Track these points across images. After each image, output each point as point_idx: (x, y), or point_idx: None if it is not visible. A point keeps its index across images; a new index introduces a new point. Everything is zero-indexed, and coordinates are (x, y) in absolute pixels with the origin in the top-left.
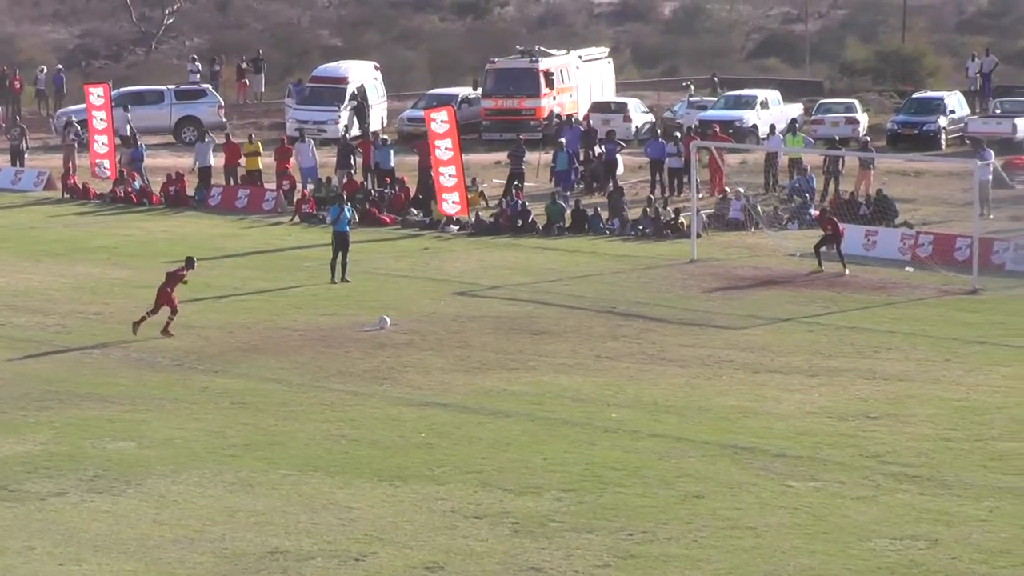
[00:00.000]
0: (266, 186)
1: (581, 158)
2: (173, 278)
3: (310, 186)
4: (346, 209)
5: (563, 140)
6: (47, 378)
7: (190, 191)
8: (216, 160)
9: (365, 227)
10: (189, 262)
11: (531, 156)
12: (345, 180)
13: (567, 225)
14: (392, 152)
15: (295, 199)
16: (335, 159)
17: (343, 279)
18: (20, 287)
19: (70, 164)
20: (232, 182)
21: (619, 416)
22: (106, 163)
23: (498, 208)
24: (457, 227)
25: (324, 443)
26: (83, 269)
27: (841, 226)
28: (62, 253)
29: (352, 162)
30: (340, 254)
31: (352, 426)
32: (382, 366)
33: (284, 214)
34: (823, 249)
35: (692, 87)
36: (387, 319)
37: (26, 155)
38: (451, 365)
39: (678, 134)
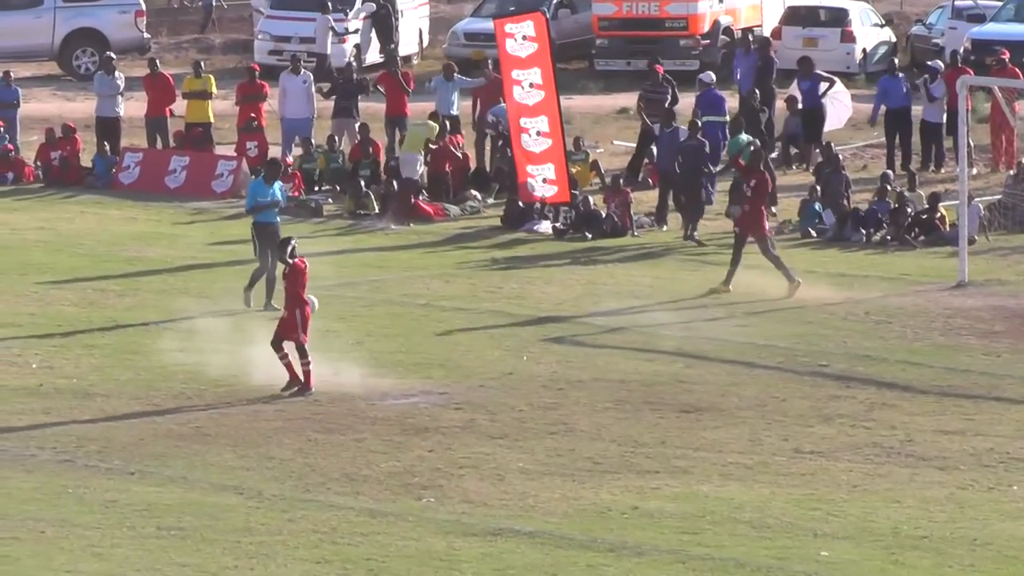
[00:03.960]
0: (219, 151)
1: (760, 102)
2: (296, 275)
3: (296, 151)
4: (276, 187)
5: (738, 72)
6: None
7: (86, 159)
8: (132, 106)
9: (391, 223)
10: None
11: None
12: (356, 139)
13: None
14: (457, 93)
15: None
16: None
17: (267, 304)
18: None
19: None
20: (160, 144)
21: (833, 555)
22: None
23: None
24: (554, 221)
25: None
26: None
27: None
28: None
29: (356, 110)
30: (270, 261)
31: (367, 571)
32: (419, 465)
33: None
34: None
35: None
36: (313, 301)
37: None
38: (540, 465)
39: (937, 64)
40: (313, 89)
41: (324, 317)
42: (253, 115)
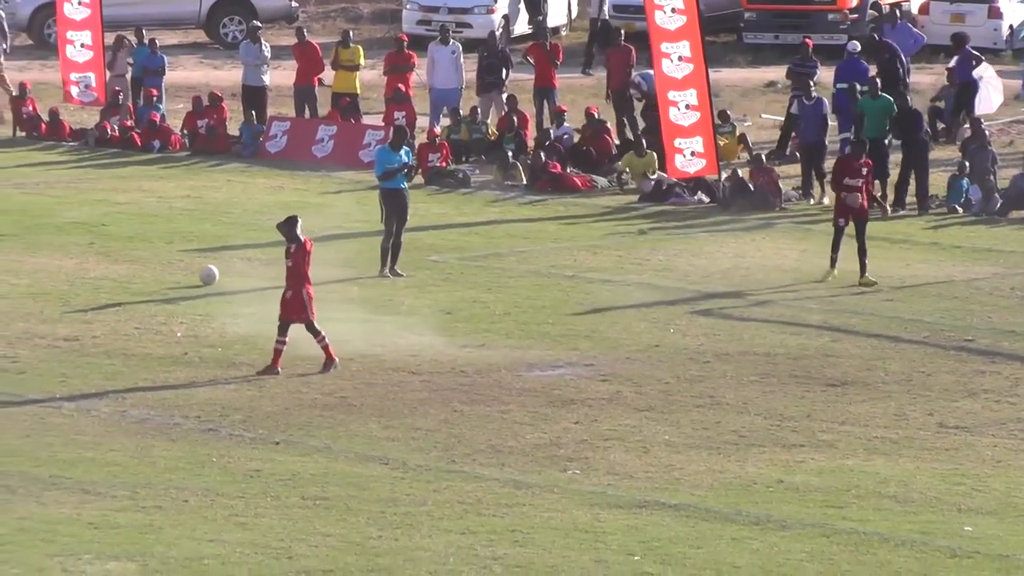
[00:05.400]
0: (367, 121)
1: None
2: (304, 254)
3: (444, 122)
4: (403, 153)
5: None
6: (2, 450)
7: (233, 128)
8: (279, 75)
9: (538, 194)
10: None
11: (825, 73)
12: (504, 110)
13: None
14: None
15: (417, 144)
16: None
17: (392, 270)
18: None
19: (27, 83)
20: (308, 113)
21: (977, 530)
22: (90, 78)
23: (770, 163)
24: (704, 197)
25: (465, 572)
26: (47, 262)
27: None
28: (11, 234)
29: (504, 77)
30: (395, 227)
31: (512, 542)
32: (565, 437)
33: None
34: None
35: None
36: (213, 270)
37: None
38: (686, 438)
39: None
40: (462, 59)
41: (472, 287)
42: (401, 85)
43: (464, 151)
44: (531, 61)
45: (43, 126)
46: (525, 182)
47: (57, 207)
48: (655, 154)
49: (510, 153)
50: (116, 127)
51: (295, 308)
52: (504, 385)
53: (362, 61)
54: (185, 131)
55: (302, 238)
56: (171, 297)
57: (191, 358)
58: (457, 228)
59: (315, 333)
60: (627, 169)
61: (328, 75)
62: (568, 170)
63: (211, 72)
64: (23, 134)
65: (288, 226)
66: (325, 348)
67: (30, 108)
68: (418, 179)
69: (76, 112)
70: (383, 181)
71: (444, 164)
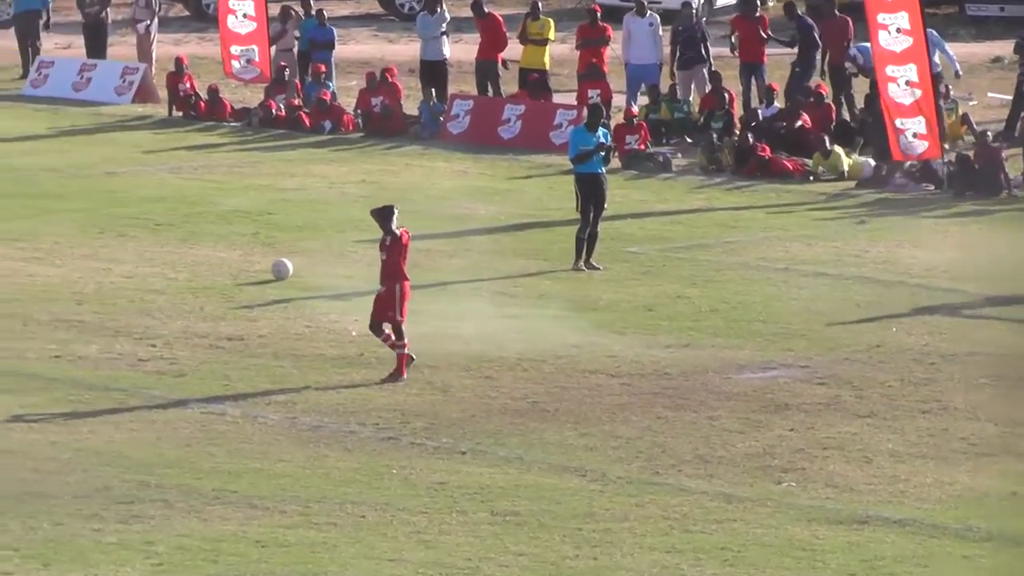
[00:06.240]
0: (558, 99)
1: None
2: (400, 247)
3: (642, 101)
4: (601, 134)
5: None
6: (139, 460)
7: (410, 107)
8: (461, 49)
9: (746, 179)
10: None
11: None
12: (707, 88)
13: None
14: None
15: (614, 125)
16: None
17: (588, 262)
18: (89, 285)
19: (183, 57)
20: (492, 91)
21: None
22: (254, 52)
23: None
24: (928, 184)
25: None
26: (208, 254)
27: None
28: (168, 223)
29: (705, 52)
30: (592, 215)
31: (722, 561)
32: (779, 446)
33: None
34: None
35: None
36: (285, 264)
37: (108, 37)
38: (911, 446)
39: None
40: (660, 32)
41: (675, 282)
42: (595, 60)
43: (664, 132)
44: (735, 36)
45: (202, 105)
46: (732, 165)
47: (218, 194)
48: (842, 153)
49: (715, 135)
50: (282, 106)
51: (388, 306)
52: (711, 389)
53: (552, 35)
54: (358, 111)
55: (398, 231)
56: (344, 292)
57: (367, 359)
58: (658, 216)
59: (399, 336)
60: (819, 168)
61: (515, 49)
62: (780, 153)
63: (385, 46)
64: (180, 114)
65: (383, 216)
66: (400, 357)
67: (187, 85)
68: (615, 163)
69: (238, 90)
70: (577, 165)
71: (643, 147)
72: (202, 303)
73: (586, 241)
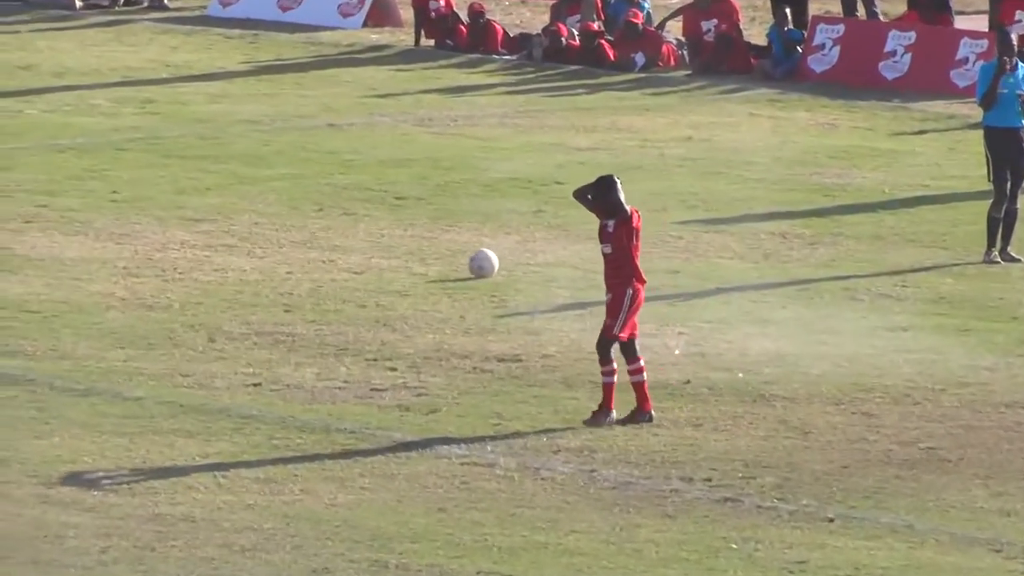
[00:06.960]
0: (960, 23)
1: None
2: (629, 231)
3: None
4: (1021, 72)
5: None
6: (373, 532)
7: (757, 34)
8: None
9: None
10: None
11: None
12: None
13: None
14: None
15: None
16: None
17: (1005, 252)
18: (303, 284)
19: None
20: (866, 12)
21: None
22: None
23: None
24: None
25: None
26: (469, 238)
27: None
28: (415, 196)
29: None
30: (1009, 187)
31: None
32: None
33: None
34: None
35: None
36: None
37: None
38: None
39: None
40: None
41: None
42: None
43: None
44: None
45: (462, 30)
46: None
47: (485, 156)
48: None
49: None
50: (575, 31)
51: (611, 314)
52: None
53: None
54: (684, 39)
55: (628, 208)
56: (664, 294)
57: (696, 388)
58: None
59: (629, 357)
60: None
61: None
62: None
63: None
64: (430, 42)
65: (602, 192)
66: (637, 387)
67: (441, 4)
68: None
69: (513, 9)
70: (988, 115)
71: None
72: (462, 309)
73: (1002, 222)
